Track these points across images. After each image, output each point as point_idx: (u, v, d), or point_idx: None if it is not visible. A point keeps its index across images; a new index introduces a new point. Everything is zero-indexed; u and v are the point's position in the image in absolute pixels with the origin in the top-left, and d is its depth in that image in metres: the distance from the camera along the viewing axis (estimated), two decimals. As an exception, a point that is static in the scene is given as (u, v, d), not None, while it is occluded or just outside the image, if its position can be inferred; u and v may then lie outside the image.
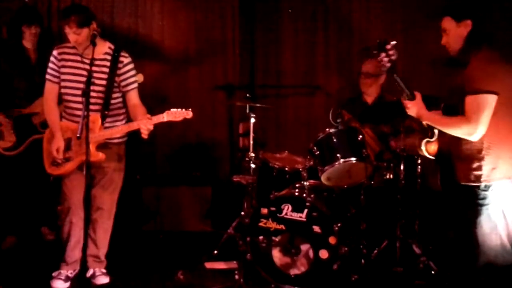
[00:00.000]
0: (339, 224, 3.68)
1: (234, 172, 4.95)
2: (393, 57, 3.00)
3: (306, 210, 3.72)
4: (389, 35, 5.22)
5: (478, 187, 2.86)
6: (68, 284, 3.71)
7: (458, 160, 2.95)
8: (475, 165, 2.87)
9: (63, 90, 3.68)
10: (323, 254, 3.66)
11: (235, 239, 4.33)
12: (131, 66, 3.71)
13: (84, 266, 3.40)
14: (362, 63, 4.73)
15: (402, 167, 4.04)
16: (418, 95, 3.06)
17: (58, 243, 4.60)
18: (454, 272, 3.31)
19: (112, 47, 3.69)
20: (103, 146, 3.64)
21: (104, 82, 3.62)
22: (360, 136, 3.98)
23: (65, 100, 3.70)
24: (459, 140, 2.90)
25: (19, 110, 4.42)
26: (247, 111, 4.53)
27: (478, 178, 2.87)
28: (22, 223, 4.59)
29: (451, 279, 3.60)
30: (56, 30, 5.22)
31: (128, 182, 4.05)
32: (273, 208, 3.78)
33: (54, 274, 3.76)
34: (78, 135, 3.16)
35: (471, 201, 2.90)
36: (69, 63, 3.64)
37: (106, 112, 3.63)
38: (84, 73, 3.52)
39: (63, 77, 3.65)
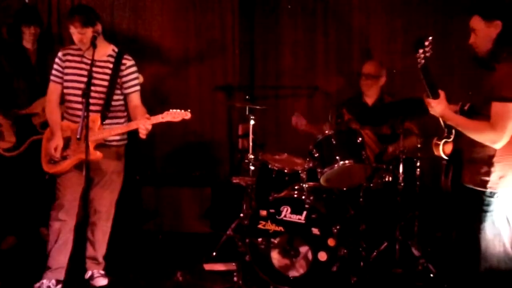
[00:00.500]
0: (338, 226, 3.68)
1: (234, 173, 4.95)
2: (427, 54, 2.90)
3: (305, 212, 3.72)
4: (389, 35, 5.29)
5: (484, 192, 2.82)
6: None
7: (468, 162, 2.90)
8: (484, 170, 2.82)
9: (65, 91, 3.71)
10: (322, 256, 3.66)
11: (234, 241, 4.34)
12: (133, 69, 3.74)
13: (82, 268, 3.40)
14: (363, 64, 4.74)
15: (401, 169, 4.04)
16: (442, 94, 2.95)
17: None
18: (453, 275, 3.29)
19: (116, 49, 3.74)
20: (102, 146, 3.65)
21: (106, 83, 3.64)
22: (360, 138, 3.98)
23: (67, 101, 3.72)
24: (473, 142, 2.83)
25: (16, 111, 4.41)
26: (247, 112, 4.53)
27: (484, 184, 2.82)
28: (22, 223, 4.59)
29: (451, 281, 3.60)
30: (56, 31, 5.23)
31: (127, 182, 4.05)
32: (272, 210, 3.78)
33: (35, 285, 3.65)
34: (78, 137, 3.18)
35: (476, 206, 2.86)
36: (73, 64, 3.67)
37: (107, 113, 3.65)
38: (86, 74, 3.53)
39: (66, 77, 3.68)
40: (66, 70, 3.67)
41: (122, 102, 3.75)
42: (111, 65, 3.67)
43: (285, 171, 4.18)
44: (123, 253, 4.33)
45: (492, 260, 2.84)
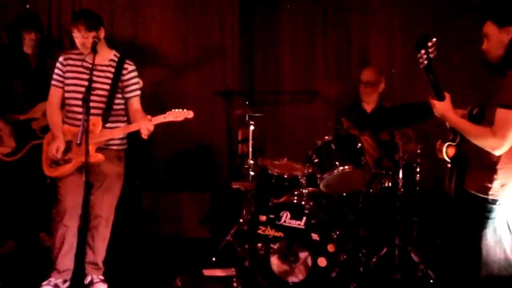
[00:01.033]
0: (337, 232, 3.68)
1: (233, 179, 4.95)
2: (431, 55, 2.86)
3: (304, 218, 3.72)
4: (388, 38, 5.31)
5: (486, 199, 2.81)
6: None
7: (472, 167, 2.89)
8: (486, 176, 2.81)
9: (66, 95, 3.72)
10: (322, 261, 3.66)
11: (234, 246, 4.34)
12: (134, 73, 3.76)
13: (82, 273, 3.39)
14: (361, 70, 4.75)
15: (400, 175, 4.04)
16: (447, 97, 2.92)
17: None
18: (453, 281, 3.29)
19: (118, 55, 3.76)
20: (102, 150, 3.66)
21: (107, 87, 3.66)
22: (359, 144, 3.99)
23: (68, 104, 3.73)
24: (478, 147, 2.81)
25: (15, 117, 4.42)
26: (247, 118, 4.54)
27: (486, 190, 2.81)
28: (21, 228, 4.58)
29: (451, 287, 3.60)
30: (56, 36, 5.25)
31: (127, 187, 4.05)
32: (271, 215, 3.78)
33: (43, 283, 3.68)
34: (78, 142, 3.18)
35: (478, 212, 2.85)
36: (74, 69, 3.69)
37: (108, 116, 3.66)
38: (87, 78, 3.55)
39: (67, 82, 3.69)
40: (67, 75, 3.68)
41: (123, 106, 3.77)
42: (112, 70, 3.69)
43: (285, 176, 4.18)
44: (123, 258, 4.32)
45: (492, 267, 2.84)
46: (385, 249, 4.09)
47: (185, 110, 3.56)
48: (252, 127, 4.51)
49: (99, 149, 3.63)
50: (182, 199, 5.11)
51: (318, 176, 3.95)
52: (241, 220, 4.43)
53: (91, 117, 3.51)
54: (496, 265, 2.83)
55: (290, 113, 5.53)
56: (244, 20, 5.51)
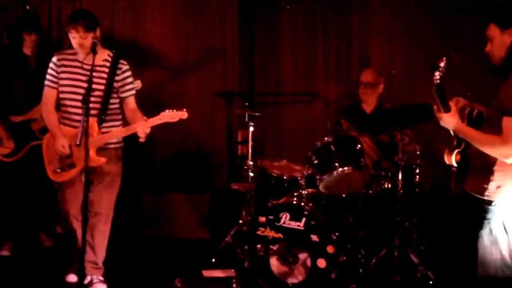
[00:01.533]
0: (337, 233, 3.68)
1: (233, 180, 4.95)
2: (442, 74, 2.88)
3: (304, 219, 3.72)
4: (388, 43, 5.31)
5: (483, 200, 2.82)
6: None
7: (472, 169, 2.90)
8: (483, 177, 2.82)
9: (61, 95, 3.72)
10: (321, 262, 3.66)
11: (233, 247, 4.34)
12: (129, 73, 3.78)
13: (82, 273, 3.39)
14: (361, 71, 4.75)
15: (400, 176, 4.04)
16: (453, 107, 2.90)
17: (56, 250, 4.63)
18: (452, 282, 3.29)
19: (111, 54, 3.76)
20: (101, 150, 3.67)
21: (102, 88, 3.67)
22: (359, 145, 3.99)
23: (63, 105, 3.74)
24: (478, 150, 2.82)
25: (16, 117, 4.42)
26: (246, 119, 4.54)
27: (482, 192, 2.82)
28: (20, 229, 4.58)
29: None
30: (56, 37, 5.26)
31: (126, 188, 4.05)
32: (271, 216, 3.78)
33: (73, 268, 3.80)
34: (78, 143, 3.18)
35: (475, 213, 2.86)
36: (69, 69, 3.69)
37: (104, 117, 3.68)
38: (83, 79, 3.61)
39: (61, 82, 3.70)
40: (62, 75, 3.68)
41: (118, 106, 3.79)
42: (107, 70, 3.69)
43: (284, 177, 4.18)
44: (122, 259, 4.32)
45: (489, 268, 2.84)
46: (384, 251, 4.09)
47: (178, 111, 3.57)
48: (251, 128, 4.51)
49: (98, 150, 3.64)
50: (181, 200, 5.10)
51: (318, 177, 3.95)
52: (240, 221, 4.43)
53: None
54: (492, 266, 2.84)
55: (290, 114, 5.53)
56: (244, 21, 5.52)
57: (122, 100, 3.79)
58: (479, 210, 2.84)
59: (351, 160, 3.92)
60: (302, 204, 3.79)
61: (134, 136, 3.63)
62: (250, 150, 4.49)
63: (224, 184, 5.29)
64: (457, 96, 3.02)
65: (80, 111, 3.40)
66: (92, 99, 3.56)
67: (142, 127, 3.52)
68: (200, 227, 5.03)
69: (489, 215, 2.82)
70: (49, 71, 3.72)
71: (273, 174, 4.21)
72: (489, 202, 2.81)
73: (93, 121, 3.58)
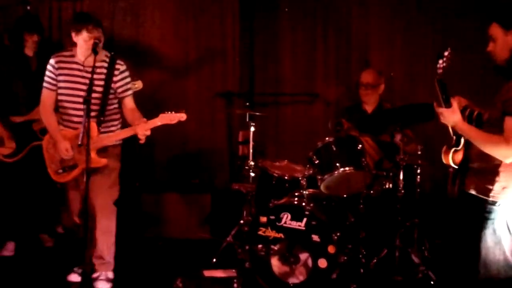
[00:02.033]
0: (338, 233, 3.68)
1: (233, 180, 4.95)
2: (445, 64, 2.88)
3: (305, 219, 3.72)
4: (388, 40, 5.32)
5: (486, 201, 2.80)
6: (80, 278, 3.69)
7: (474, 169, 2.87)
8: (488, 178, 2.80)
9: (60, 97, 3.74)
10: (322, 263, 3.66)
11: (234, 247, 4.34)
12: (126, 73, 3.80)
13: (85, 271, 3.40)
14: (361, 72, 4.75)
15: (401, 176, 4.04)
16: (455, 104, 2.88)
17: (57, 250, 4.63)
18: (453, 283, 3.28)
19: (109, 55, 3.77)
20: (100, 150, 3.69)
21: (101, 89, 3.69)
22: (360, 145, 3.99)
23: (62, 107, 3.76)
24: (480, 150, 2.79)
25: (17, 118, 4.42)
26: (247, 119, 4.54)
27: (487, 192, 2.80)
28: (21, 230, 4.58)
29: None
30: (57, 38, 5.26)
31: (127, 189, 4.05)
32: (272, 217, 3.78)
33: (75, 268, 3.83)
34: (79, 143, 3.19)
35: (478, 213, 2.84)
36: (67, 71, 3.70)
37: (102, 118, 3.69)
38: (82, 80, 3.63)
39: (60, 84, 3.71)
40: (60, 77, 3.69)
41: (116, 106, 3.81)
42: (105, 71, 3.71)
43: (285, 178, 4.19)
44: (123, 259, 4.32)
45: (492, 268, 2.82)
46: (385, 251, 4.09)
47: (178, 113, 3.58)
48: (252, 129, 4.52)
49: (98, 151, 3.66)
50: (182, 201, 5.10)
51: (319, 177, 3.95)
52: (241, 221, 4.43)
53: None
54: (495, 266, 2.82)
55: (290, 115, 5.54)
56: (244, 21, 5.52)
57: (120, 101, 3.81)
58: (482, 210, 2.82)
59: (352, 160, 3.92)
60: (303, 204, 3.79)
61: (134, 136, 3.64)
62: (251, 150, 4.49)
63: (225, 185, 5.29)
64: (458, 96, 3.01)
65: (80, 112, 3.42)
66: (91, 100, 3.60)
67: (142, 129, 3.54)
68: (201, 227, 5.03)
69: (492, 215, 2.80)
70: (47, 73, 3.73)
71: (274, 174, 4.22)
72: (493, 203, 2.79)
73: (92, 123, 3.59)
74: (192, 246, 4.86)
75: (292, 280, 3.74)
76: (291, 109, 5.54)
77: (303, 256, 3.71)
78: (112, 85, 3.72)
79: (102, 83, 3.69)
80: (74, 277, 3.87)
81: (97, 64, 3.65)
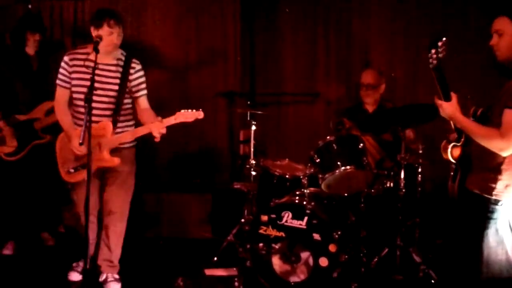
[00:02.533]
0: (339, 232, 3.68)
1: (235, 179, 4.95)
2: (440, 55, 2.84)
3: (306, 218, 3.72)
4: (388, 43, 5.32)
5: (489, 199, 2.78)
6: (80, 276, 3.71)
7: (477, 167, 2.86)
8: (491, 176, 2.78)
9: (73, 95, 3.68)
10: (323, 261, 3.66)
11: (235, 246, 4.34)
12: (141, 73, 3.76)
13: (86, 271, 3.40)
14: (362, 72, 4.75)
15: (402, 176, 4.04)
16: (454, 97, 2.88)
17: (58, 249, 4.64)
18: (455, 282, 3.28)
19: (124, 53, 3.73)
20: (115, 150, 3.66)
21: (116, 88, 3.65)
22: (361, 144, 3.99)
23: (75, 105, 3.70)
24: (483, 148, 2.78)
25: (19, 117, 4.43)
26: (248, 118, 4.55)
27: (489, 191, 2.78)
28: (23, 228, 4.59)
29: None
30: (58, 38, 5.27)
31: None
32: (273, 215, 3.78)
33: (74, 264, 3.84)
34: (80, 142, 3.18)
35: (480, 212, 2.82)
36: (80, 69, 3.62)
37: (117, 118, 3.66)
38: (96, 79, 3.49)
39: (74, 82, 3.65)
40: (73, 75, 3.64)
41: (130, 106, 3.77)
42: (120, 69, 3.66)
43: (286, 176, 4.19)
44: (124, 258, 4.32)
45: (494, 268, 2.81)
46: (386, 250, 4.09)
47: (194, 110, 3.54)
48: (253, 128, 4.52)
49: (112, 151, 3.63)
50: (184, 200, 5.11)
51: (320, 176, 3.96)
52: (242, 220, 4.43)
53: (101, 120, 3.54)
54: (497, 266, 2.81)
55: (291, 114, 5.54)
56: (245, 22, 5.52)
57: (134, 100, 3.76)
58: (485, 210, 2.80)
59: (353, 159, 3.92)
60: (304, 203, 3.79)
61: (148, 134, 3.60)
62: (252, 150, 4.49)
63: (226, 184, 5.29)
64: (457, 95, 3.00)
65: (94, 111, 3.36)
66: (106, 99, 3.60)
67: (158, 128, 3.48)
68: (202, 226, 5.02)
69: (495, 215, 2.79)
70: (61, 70, 3.68)
71: (275, 173, 4.22)
72: (496, 202, 2.78)
73: (107, 122, 3.58)
74: (193, 245, 4.86)
75: (293, 279, 3.74)
76: (292, 108, 5.54)
77: (304, 255, 3.71)
78: (128, 83, 3.68)
79: (117, 82, 3.65)
80: (75, 276, 3.87)
81: (113, 62, 3.65)
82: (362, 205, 4.09)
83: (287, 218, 3.76)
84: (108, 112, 3.61)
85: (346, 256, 3.68)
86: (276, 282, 3.76)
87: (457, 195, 2.98)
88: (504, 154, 2.74)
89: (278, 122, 5.52)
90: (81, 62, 3.59)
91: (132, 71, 3.69)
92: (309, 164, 4.05)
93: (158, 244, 4.88)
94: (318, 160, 3.98)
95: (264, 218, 3.80)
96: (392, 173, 4.15)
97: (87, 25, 3.75)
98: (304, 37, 5.50)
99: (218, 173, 5.48)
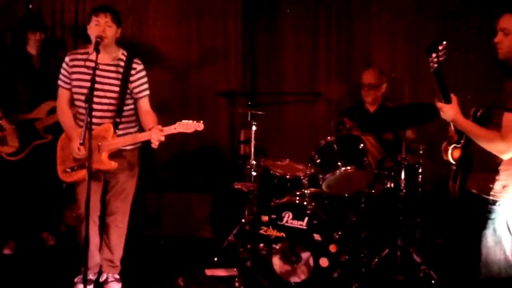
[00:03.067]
0: (339, 232, 3.68)
1: (235, 179, 4.95)
2: (441, 59, 2.85)
3: (306, 218, 3.72)
4: (389, 43, 5.32)
5: (487, 200, 2.80)
6: (91, 286, 3.65)
7: (477, 168, 2.87)
8: (489, 177, 2.79)
9: (75, 96, 3.65)
10: (324, 262, 3.66)
11: (236, 246, 4.34)
12: (143, 73, 3.69)
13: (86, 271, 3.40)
14: (363, 72, 4.75)
15: (403, 176, 4.04)
16: (454, 99, 2.87)
17: (59, 249, 4.65)
18: (454, 282, 3.29)
19: (126, 53, 3.67)
20: (116, 153, 3.62)
21: (117, 89, 3.60)
22: (361, 144, 3.99)
23: (76, 106, 3.67)
24: (481, 148, 2.79)
25: (21, 116, 4.44)
26: (249, 118, 4.54)
27: (487, 191, 2.79)
28: (23, 228, 4.59)
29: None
30: (60, 37, 5.27)
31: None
32: (273, 216, 3.78)
33: (76, 279, 3.72)
34: (81, 142, 3.17)
35: (479, 212, 2.84)
36: (80, 69, 3.60)
37: (119, 120, 3.61)
38: (96, 79, 3.43)
39: (74, 83, 3.63)
40: (74, 76, 3.61)
41: (133, 107, 3.70)
42: (121, 69, 3.61)
43: (287, 177, 4.19)
44: (125, 258, 4.32)
45: (492, 268, 2.83)
46: (387, 250, 4.09)
47: (195, 122, 3.51)
48: (254, 128, 4.52)
49: (112, 154, 3.60)
50: (184, 199, 5.11)
51: (320, 176, 3.96)
52: (243, 220, 4.44)
53: (102, 122, 3.52)
54: (496, 266, 2.82)
55: (292, 114, 5.54)
56: (246, 22, 5.52)
57: (135, 101, 3.70)
58: (483, 210, 2.82)
59: (354, 160, 3.92)
60: (305, 203, 3.79)
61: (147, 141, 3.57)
62: (252, 150, 4.50)
63: (226, 184, 5.29)
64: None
65: (95, 113, 3.35)
66: (106, 101, 3.56)
67: (157, 135, 3.43)
68: (203, 226, 5.03)
69: (493, 215, 2.80)
70: (62, 71, 3.66)
71: (276, 173, 4.22)
72: (494, 202, 2.79)
73: (109, 125, 3.56)
74: (193, 245, 4.86)
75: (294, 279, 3.74)
76: (293, 108, 5.55)
77: (305, 255, 3.71)
78: (129, 85, 3.62)
79: (118, 83, 3.60)
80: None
81: (114, 62, 3.61)
82: (363, 205, 4.09)
83: (288, 218, 3.76)
84: (109, 114, 3.58)
85: (347, 256, 3.68)
86: (277, 282, 3.76)
87: (458, 196, 2.98)
88: (504, 156, 2.74)
89: (279, 122, 5.52)
90: (81, 62, 3.57)
91: (133, 71, 3.63)
92: (309, 164, 4.05)
93: (158, 243, 4.88)
94: (318, 160, 3.98)
95: (265, 218, 3.80)
96: (392, 173, 4.15)
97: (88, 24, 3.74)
98: (305, 37, 5.50)
99: (218, 173, 5.48)
